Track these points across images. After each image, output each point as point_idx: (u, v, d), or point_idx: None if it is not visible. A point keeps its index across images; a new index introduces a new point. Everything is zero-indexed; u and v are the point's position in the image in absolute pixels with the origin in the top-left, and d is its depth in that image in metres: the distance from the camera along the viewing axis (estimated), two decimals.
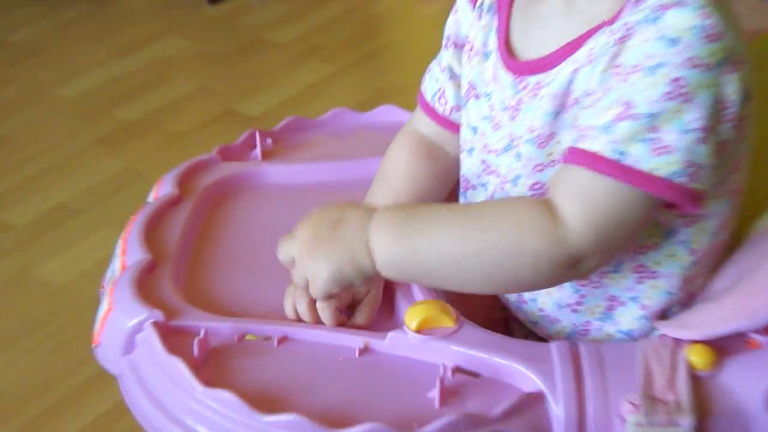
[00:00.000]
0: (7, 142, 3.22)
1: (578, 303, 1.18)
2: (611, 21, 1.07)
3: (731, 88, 1.00)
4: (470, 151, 1.27)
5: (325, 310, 1.15)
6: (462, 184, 1.29)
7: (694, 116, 0.98)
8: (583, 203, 1.01)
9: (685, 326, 1.09)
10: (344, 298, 1.18)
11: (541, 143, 1.14)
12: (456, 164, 1.32)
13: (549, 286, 1.13)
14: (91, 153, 3.13)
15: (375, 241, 1.08)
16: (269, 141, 1.54)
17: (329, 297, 1.14)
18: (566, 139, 1.09)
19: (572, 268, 1.03)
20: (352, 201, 1.18)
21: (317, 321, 1.17)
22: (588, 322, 1.19)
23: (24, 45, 3.91)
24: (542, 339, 1.25)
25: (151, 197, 1.43)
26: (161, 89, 3.49)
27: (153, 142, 3.17)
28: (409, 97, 1.39)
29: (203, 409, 1.03)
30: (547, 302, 1.20)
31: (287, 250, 1.15)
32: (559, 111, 1.12)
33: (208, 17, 4.06)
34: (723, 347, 1.06)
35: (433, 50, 1.34)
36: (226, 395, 1.01)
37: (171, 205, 1.39)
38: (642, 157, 0.99)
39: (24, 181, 3.00)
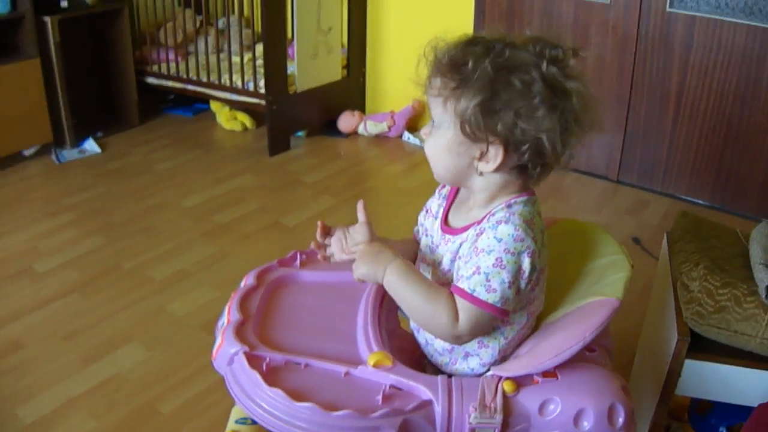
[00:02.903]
0: (153, 230, 3.35)
1: (450, 351, 1.48)
2: (478, 222, 1.38)
3: (526, 265, 1.31)
4: (419, 255, 1.56)
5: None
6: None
7: (506, 276, 1.30)
8: (466, 316, 1.31)
9: (503, 370, 1.36)
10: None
11: (444, 275, 1.45)
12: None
13: (443, 340, 1.41)
14: (198, 240, 3.27)
15: (386, 274, 1.37)
16: (303, 257, 1.72)
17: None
18: (455, 277, 1.39)
19: (456, 339, 1.35)
20: (389, 246, 1.43)
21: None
22: (456, 359, 1.47)
23: (165, 172, 4.02)
24: (437, 370, 1.52)
25: (242, 284, 1.62)
26: (239, 206, 3.61)
27: (232, 237, 3.30)
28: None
29: (266, 396, 1.29)
30: (437, 347, 1.49)
31: (359, 252, 1.43)
32: (453, 260, 1.43)
33: (268, 163, 4.18)
34: (520, 381, 1.34)
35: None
36: (278, 391, 1.28)
37: (253, 290, 1.60)
38: (481, 293, 1.30)
39: (161, 254, 3.14)
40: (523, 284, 1.32)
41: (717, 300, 1.69)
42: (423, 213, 1.59)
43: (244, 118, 4.71)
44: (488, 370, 1.43)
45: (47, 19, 4.02)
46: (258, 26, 4.56)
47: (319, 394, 1.29)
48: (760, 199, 3.60)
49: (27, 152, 4.15)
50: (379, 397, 1.30)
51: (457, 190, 1.52)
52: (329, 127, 4.64)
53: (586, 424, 1.31)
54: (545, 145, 1.31)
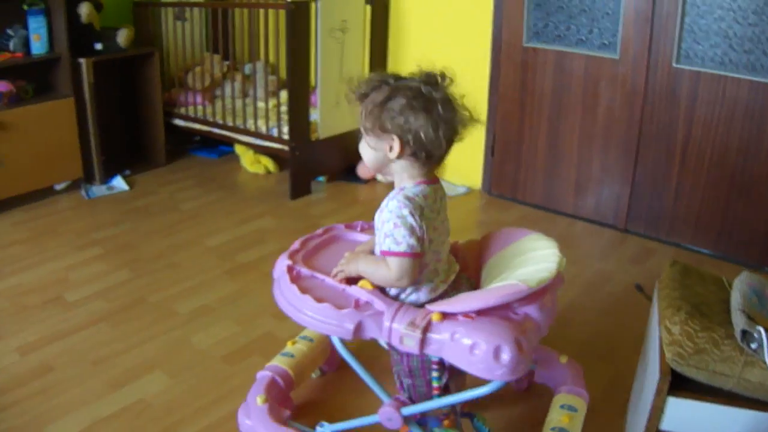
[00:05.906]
0: (178, 267, 3.54)
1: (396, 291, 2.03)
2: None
3: (412, 221, 1.88)
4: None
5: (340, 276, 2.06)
6: None
7: (403, 231, 1.88)
8: (394, 265, 1.90)
9: (434, 306, 1.91)
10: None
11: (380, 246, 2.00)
12: None
13: (394, 287, 1.99)
14: (221, 278, 3.45)
15: (359, 266, 2.01)
16: (366, 226, 2.42)
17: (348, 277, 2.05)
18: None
19: (398, 282, 1.93)
20: (363, 249, 2.12)
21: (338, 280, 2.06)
22: (399, 295, 2.02)
23: (190, 212, 4.23)
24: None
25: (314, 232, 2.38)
26: (260, 246, 3.80)
27: (253, 276, 3.47)
28: None
29: (287, 291, 2.04)
30: (391, 290, 2.03)
31: (344, 259, 2.08)
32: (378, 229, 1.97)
33: (289, 206, 4.36)
34: (446, 315, 1.88)
35: None
36: (294, 287, 2.02)
37: (317, 236, 2.37)
38: (393, 247, 1.90)
39: (185, 289, 3.33)
40: (419, 232, 1.88)
41: (696, 342, 1.88)
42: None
43: (268, 162, 4.93)
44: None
45: (82, 60, 4.31)
46: (283, 73, 4.78)
47: (317, 294, 1.99)
48: (763, 249, 3.74)
49: (58, 187, 4.41)
50: (352, 304, 1.95)
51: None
52: (349, 173, 4.84)
53: (477, 352, 1.79)
54: (422, 137, 1.87)
